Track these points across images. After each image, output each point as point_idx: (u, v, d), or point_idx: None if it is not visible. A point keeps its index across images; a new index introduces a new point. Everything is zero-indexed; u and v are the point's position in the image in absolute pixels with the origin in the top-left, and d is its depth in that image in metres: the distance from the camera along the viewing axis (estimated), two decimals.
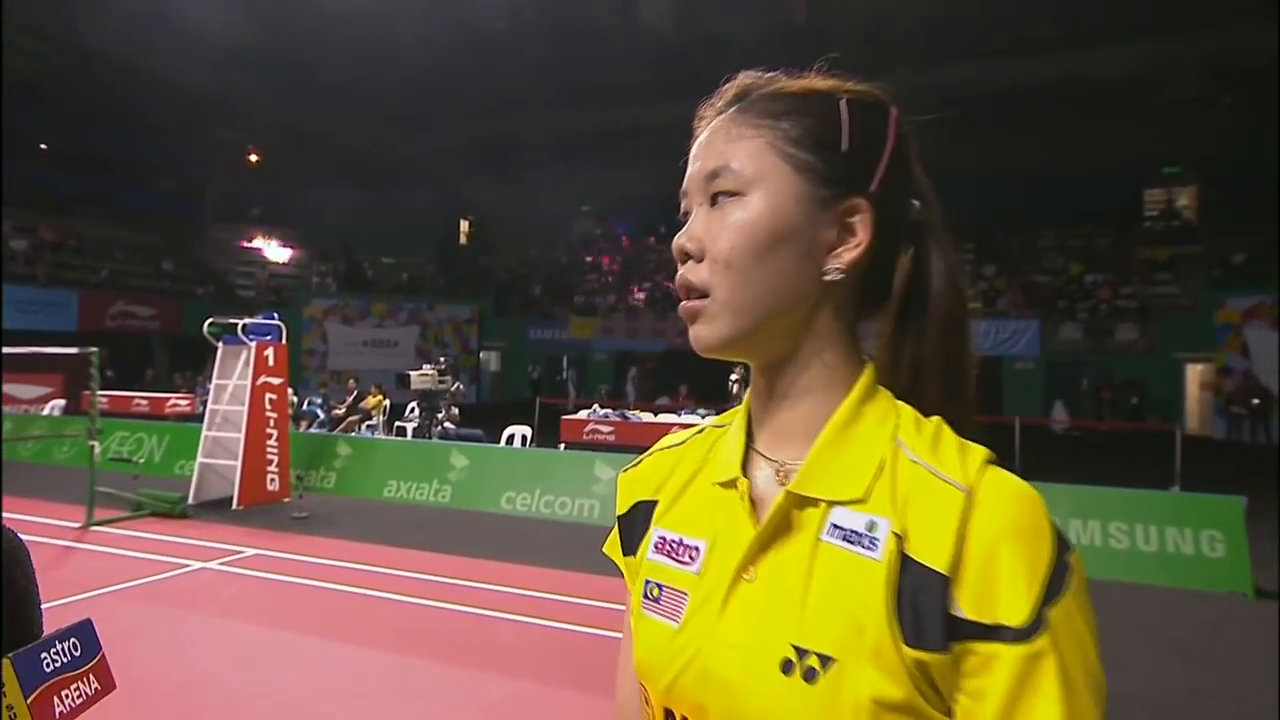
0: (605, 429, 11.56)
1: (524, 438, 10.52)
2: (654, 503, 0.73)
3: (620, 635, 0.78)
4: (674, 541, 0.68)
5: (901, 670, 0.53)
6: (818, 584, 0.58)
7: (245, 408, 8.21)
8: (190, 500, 7.94)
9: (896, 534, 0.56)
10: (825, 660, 0.55)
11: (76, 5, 15.44)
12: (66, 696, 0.90)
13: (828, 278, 0.63)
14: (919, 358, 0.66)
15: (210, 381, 8.95)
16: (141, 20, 15.80)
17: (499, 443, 10.41)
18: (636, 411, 13.35)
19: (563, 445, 11.13)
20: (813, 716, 0.54)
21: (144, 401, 15.44)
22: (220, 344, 8.64)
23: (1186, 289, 20.25)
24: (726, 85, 0.69)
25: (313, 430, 11.80)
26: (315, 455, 9.41)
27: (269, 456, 8.39)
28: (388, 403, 13.32)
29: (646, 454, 0.79)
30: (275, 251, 26.60)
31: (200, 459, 8.33)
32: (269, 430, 8.39)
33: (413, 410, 12.42)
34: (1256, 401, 17.47)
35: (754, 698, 0.57)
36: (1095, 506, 6.51)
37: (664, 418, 12.53)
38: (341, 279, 27.01)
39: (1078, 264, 22.17)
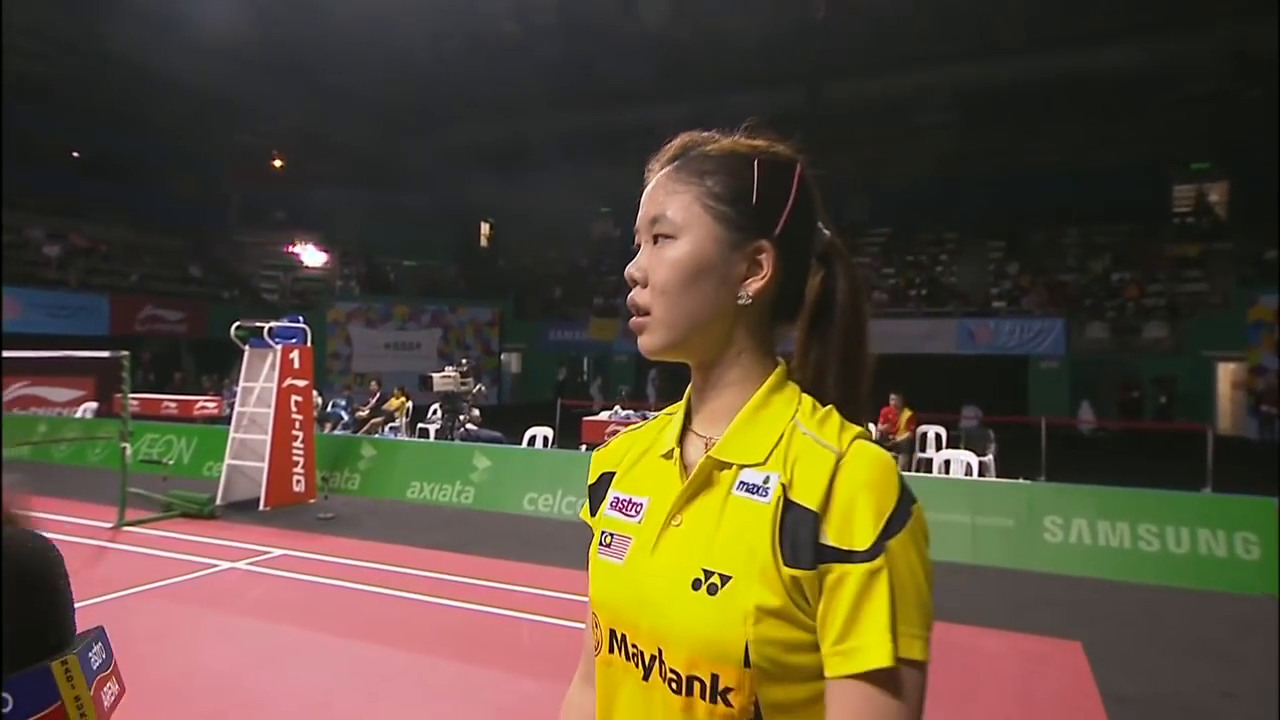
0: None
1: (545, 439, 10.56)
2: (614, 473, 0.91)
3: None
4: (624, 500, 0.85)
5: (780, 585, 0.69)
6: (725, 524, 0.74)
7: (271, 410, 8.30)
8: (218, 501, 8.05)
9: (784, 484, 0.72)
10: (725, 579, 0.71)
11: (99, 11, 15.67)
12: (107, 694, 0.92)
13: (740, 301, 0.79)
14: (823, 359, 0.83)
15: (237, 384, 9.05)
16: (163, 26, 16.03)
17: (520, 444, 10.46)
18: (657, 412, 13.33)
19: (584, 447, 11.16)
20: (713, 621, 0.70)
21: (173, 404, 15.71)
22: (247, 347, 8.73)
23: (1216, 286, 19.82)
24: (670, 143, 0.85)
25: (337, 432, 11.92)
26: (340, 457, 9.51)
27: (295, 458, 8.48)
28: (410, 404, 13.44)
29: (615, 437, 0.98)
30: (311, 255, 26.89)
31: (228, 461, 8.44)
32: (294, 432, 8.48)
33: (435, 412, 12.52)
34: None
35: (672, 610, 0.73)
36: (1124, 508, 6.41)
37: None
38: (364, 282, 27.23)
39: (1104, 261, 21.81)
